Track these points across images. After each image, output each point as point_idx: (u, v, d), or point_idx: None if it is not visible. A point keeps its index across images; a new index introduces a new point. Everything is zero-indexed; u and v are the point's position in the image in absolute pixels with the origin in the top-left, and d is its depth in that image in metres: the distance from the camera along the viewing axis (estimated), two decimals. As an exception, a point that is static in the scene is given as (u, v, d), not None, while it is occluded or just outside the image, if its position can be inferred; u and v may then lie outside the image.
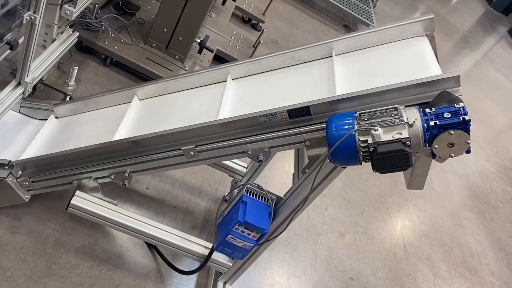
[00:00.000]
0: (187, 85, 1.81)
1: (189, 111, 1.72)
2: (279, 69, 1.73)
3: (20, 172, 1.61)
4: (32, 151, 1.74)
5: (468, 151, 1.21)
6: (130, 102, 1.86)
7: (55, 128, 1.88)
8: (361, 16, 4.65)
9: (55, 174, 1.62)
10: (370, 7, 4.94)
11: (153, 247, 1.91)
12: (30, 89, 1.85)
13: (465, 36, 6.91)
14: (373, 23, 4.65)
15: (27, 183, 1.63)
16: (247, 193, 1.53)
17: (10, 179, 1.59)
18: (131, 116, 1.79)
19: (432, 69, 1.42)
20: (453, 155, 1.21)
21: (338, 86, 1.48)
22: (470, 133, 1.17)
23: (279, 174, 2.61)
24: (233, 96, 1.70)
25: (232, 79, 1.76)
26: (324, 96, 1.42)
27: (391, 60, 1.55)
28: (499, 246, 3.18)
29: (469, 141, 1.18)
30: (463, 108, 1.17)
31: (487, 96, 5.38)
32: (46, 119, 1.90)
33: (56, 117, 1.92)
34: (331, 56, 1.65)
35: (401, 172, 1.43)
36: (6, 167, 1.58)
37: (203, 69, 1.89)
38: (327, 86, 1.56)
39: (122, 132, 1.69)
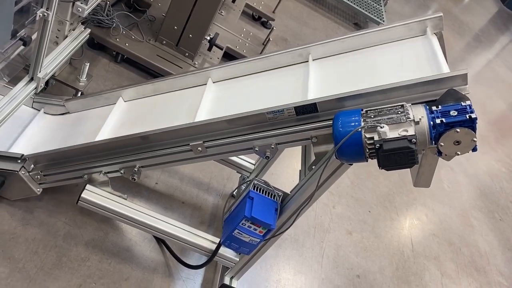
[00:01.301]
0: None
1: (166, 112, 1.78)
2: (284, 67, 1.76)
3: (32, 166, 1.64)
4: (44, 145, 1.78)
5: (474, 149, 1.21)
6: (142, 98, 1.90)
7: (66, 123, 1.92)
8: (372, 14, 4.63)
9: (66, 168, 1.65)
10: (381, 6, 4.92)
11: (161, 241, 1.94)
12: (42, 85, 1.88)
13: (478, 35, 6.84)
14: (383, 21, 4.64)
15: (39, 176, 1.67)
16: (254, 189, 1.55)
17: (23, 172, 1.63)
18: (140, 112, 1.82)
19: (439, 67, 1.42)
20: (459, 153, 1.21)
21: (343, 84, 1.49)
22: (480, 131, 1.17)
23: (286, 172, 2.63)
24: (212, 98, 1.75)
25: (213, 82, 1.82)
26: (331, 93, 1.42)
27: (398, 58, 1.56)
28: (508, 247, 3.16)
29: (475, 139, 1.18)
30: (470, 106, 1.18)
31: (499, 95, 5.33)
32: (59, 114, 1.94)
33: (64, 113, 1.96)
34: (336, 55, 1.66)
35: (409, 171, 1.44)
36: (19, 161, 1.62)
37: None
38: (333, 84, 1.57)
39: (131, 128, 1.71)
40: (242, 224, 1.50)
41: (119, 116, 1.84)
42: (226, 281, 1.84)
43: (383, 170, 1.24)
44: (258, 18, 3.88)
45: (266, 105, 1.44)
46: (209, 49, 2.86)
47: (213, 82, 1.82)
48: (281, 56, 1.74)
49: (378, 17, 4.64)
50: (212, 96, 1.76)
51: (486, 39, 6.84)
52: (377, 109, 1.26)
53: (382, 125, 1.20)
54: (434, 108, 1.21)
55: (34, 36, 1.76)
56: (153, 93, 1.89)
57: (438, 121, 1.18)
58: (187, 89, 1.86)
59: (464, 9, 7.58)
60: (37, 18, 1.62)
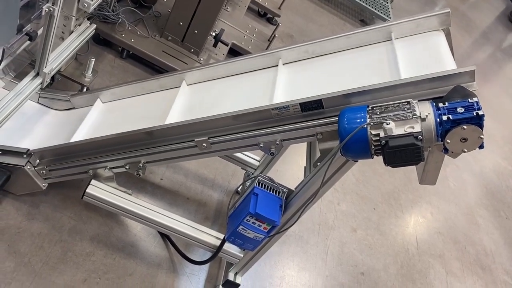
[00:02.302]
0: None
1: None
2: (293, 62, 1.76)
3: (38, 160, 1.65)
4: (49, 140, 1.78)
5: (481, 147, 1.20)
6: (147, 93, 1.90)
7: (72, 118, 1.92)
8: (378, 11, 4.60)
9: (71, 163, 1.65)
10: (387, 2, 4.89)
11: (166, 237, 1.94)
12: (48, 80, 1.89)
13: (485, 32, 6.79)
14: (390, 18, 4.61)
15: (44, 171, 1.67)
16: (258, 185, 1.55)
17: (28, 167, 1.63)
18: (146, 108, 1.82)
19: (447, 64, 1.41)
20: (465, 150, 1.20)
21: (350, 79, 1.48)
22: (487, 129, 1.16)
23: (291, 168, 2.62)
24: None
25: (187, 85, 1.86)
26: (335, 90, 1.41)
27: (405, 53, 1.54)
28: (514, 245, 3.15)
29: (482, 136, 1.17)
30: (477, 103, 1.16)
31: (506, 93, 5.29)
32: (64, 110, 1.94)
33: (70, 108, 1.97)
34: (342, 51, 1.65)
35: (415, 169, 1.44)
36: (25, 156, 1.62)
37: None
38: (339, 79, 1.56)
39: (137, 123, 1.71)
40: (246, 220, 1.50)
41: (125, 112, 1.84)
42: (231, 277, 1.84)
43: (388, 167, 1.23)
44: (264, 14, 3.87)
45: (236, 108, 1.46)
46: (215, 45, 2.85)
47: (187, 85, 1.86)
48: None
49: (384, 14, 4.61)
50: (183, 100, 1.79)
51: (493, 37, 6.79)
52: (383, 105, 1.26)
53: (388, 121, 1.19)
54: (441, 104, 1.20)
55: (40, 31, 1.77)
56: (159, 89, 1.89)
57: (444, 118, 1.17)
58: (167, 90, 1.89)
59: (472, 6, 7.51)
60: (43, 13, 1.61)
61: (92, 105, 1.90)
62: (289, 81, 1.66)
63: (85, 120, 1.80)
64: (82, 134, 1.75)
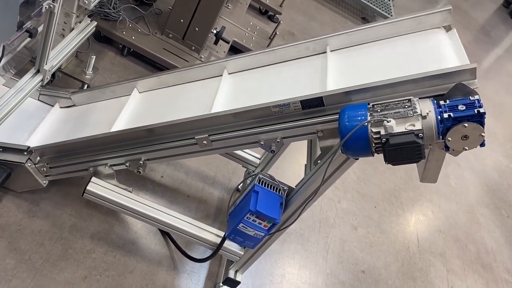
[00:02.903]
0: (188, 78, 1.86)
1: (174, 105, 1.77)
2: (290, 61, 1.74)
3: (38, 158, 1.65)
4: (50, 137, 1.78)
5: (482, 144, 1.19)
6: (147, 91, 1.89)
7: (72, 115, 1.92)
8: (380, 8, 4.59)
9: (72, 161, 1.65)
10: (389, 0, 4.87)
11: (166, 234, 1.94)
12: (48, 77, 1.89)
13: (487, 30, 6.77)
14: (391, 15, 4.60)
15: (45, 168, 1.67)
16: (259, 183, 1.55)
17: (29, 164, 1.63)
18: (146, 105, 1.82)
19: (448, 61, 1.40)
20: (467, 148, 1.20)
21: (350, 77, 1.48)
22: (488, 128, 1.15)
23: (292, 166, 2.62)
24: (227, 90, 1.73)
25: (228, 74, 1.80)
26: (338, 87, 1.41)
27: (406, 51, 1.54)
28: (515, 244, 3.14)
29: (483, 134, 1.16)
30: (478, 100, 1.16)
31: (507, 91, 5.27)
32: (64, 107, 1.94)
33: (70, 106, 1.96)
34: (346, 48, 1.64)
35: (416, 166, 1.43)
36: (25, 153, 1.62)
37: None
38: (348, 76, 1.55)
39: (137, 121, 1.71)
40: (247, 218, 1.50)
41: (126, 109, 1.84)
42: (231, 274, 1.84)
43: (389, 165, 1.23)
44: (265, 12, 3.86)
45: (282, 98, 1.42)
46: (216, 42, 2.85)
47: (228, 74, 1.80)
48: (295, 47, 1.72)
49: (386, 12, 4.60)
50: (227, 88, 1.74)
51: (495, 35, 6.77)
52: (384, 103, 1.25)
53: (389, 119, 1.19)
54: (442, 102, 1.20)
55: (40, 28, 1.76)
56: (160, 86, 1.88)
57: (445, 115, 1.17)
58: (198, 81, 1.84)
59: (474, 4, 7.49)
60: (43, 10, 1.61)
61: (121, 96, 1.89)
62: (336, 69, 1.62)
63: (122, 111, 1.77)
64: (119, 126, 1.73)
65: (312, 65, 1.67)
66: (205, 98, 1.69)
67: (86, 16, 2.14)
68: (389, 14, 4.60)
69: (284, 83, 1.67)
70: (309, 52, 1.71)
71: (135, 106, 1.84)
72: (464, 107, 1.16)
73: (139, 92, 1.89)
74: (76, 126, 1.84)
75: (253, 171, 2.24)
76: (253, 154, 2.24)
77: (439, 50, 1.48)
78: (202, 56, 2.78)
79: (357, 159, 1.36)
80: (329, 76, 1.54)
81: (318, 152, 1.49)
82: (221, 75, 1.77)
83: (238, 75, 1.80)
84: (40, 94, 1.95)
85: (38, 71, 1.84)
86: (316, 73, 1.61)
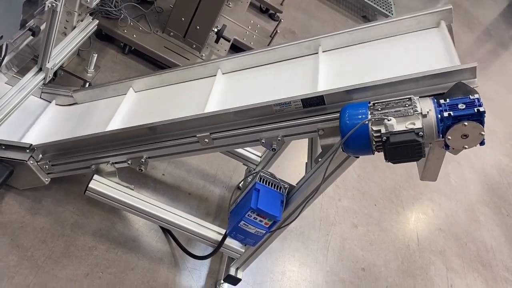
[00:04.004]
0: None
1: (175, 103, 1.78)
2: (293, 59, 1.75)
3: (40, 155, 1.65)
4: (52, 135, 1.79)
5: (482, 143, 1.20)
6: (148, 89, 1.90)
7: (74, 113, 1.93)
8: (380, 7, 4.59)
9: (74, 158, 1.66)
10: (390, -2, 4.88)
11: (168, 232, 1.95)
12: (51, 75, 1.89)
13: (488, 29, 6.77)
14: (392, 14, 4.60)
15: (47, 166, 1.68)
16: (260, 181, 1.55)
17: (31, 162, 1.64)
18: (149, 103, 1.82)
19: (448, 60, 1.41)
20: (466, 146, 1.21)
21: (352, 76, 1.49)
22: (488, 126, 1.16)
23: (293, 164, 2.63)
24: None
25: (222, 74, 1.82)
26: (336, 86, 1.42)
27: (406, 50, 1.54)
28: (515, 242, 3.15)
29: (483, 132, 1.17)
30: (478, 99, 1.17)
31: (507, 90, 5.27)
32: (67, 105, 1.95)
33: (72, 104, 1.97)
34: (346, 47, 1.65)
35: (416, 165, 1.44)
36: (27, 151, 1.63)
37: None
38: (343, 76, 1.56)
39: (138, 119, 1.72)
40: (248, 215, 1.51)
41: (127, 107, 1.85)
42: (232, 272, 1.85)
43: (389, 163, 1.24)
44: (266, 10, 3.86)
45: (276, 97, 1.44)
46: (217, 41, 2.86)
47: (223, 74, 1.82)
48: (290, 48, 1.73)
49: (386, 10, 4.60)
50: (221, 88, 1.76)
51: (496, 34, 6.77)
52: (384, 101, 1.26)
53: (389, 118, 1.19)
54: (442, 101, 1.21)
55: (42, 27, 1.77)
56: (161, 84, 1.89)
57: (446, 114, 1.18)
58: (196, 80, 1.86)
59: (475, 2, 7.48)
60: (46, 8, 1.62)
61: (122, 94, 1.91)
62: (329, 70, 1.64)
63: (118, 110, 1.80)
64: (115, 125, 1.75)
65: (305, 65, 1.69)
66: (200, 98, 1.71)
67: (88, 14, 2.15)
68: (390, 12, 4.60)
69: (276, 83, 1.69)
70: (304, 52, 1.73)
71: (135, 105, 1.85)
72: (464, 106, 1.17)
73: (141, 91, 1.90)
74: (78, 124, 1.85)
75: (254, 169, 2.24)
76: (254, 152, 2.24)
77: (439, 49, 1.48)
78: (203, 55, 2.78)
79: (357, 157, 1.36)
80: (320, 76, 1.56)
81: (319, 150, 1.50)
82: (215, 75, 1.80)
83: (232, 75, 1.82)
84: (42, 92, 1.96)
85: (40, 69, 1.85)
86: (308, 74, 1.63)
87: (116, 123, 1.73)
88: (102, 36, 2.61)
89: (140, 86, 1.90)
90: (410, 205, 2.93)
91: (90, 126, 1.79)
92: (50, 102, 1.97)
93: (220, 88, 1.76)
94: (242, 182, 2.27)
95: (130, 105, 1.85)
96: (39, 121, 1.87)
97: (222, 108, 1.51)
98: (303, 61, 1.72)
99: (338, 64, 1.63)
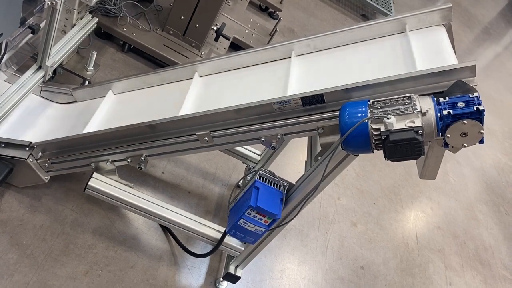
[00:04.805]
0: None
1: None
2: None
3: (40, 153, 1.66)
4: (51, 133, 1.79)
5: (481, 142, 1.20)
6: (148, 87, 1.90)
7: (74, 111, 1.93)
8: (380, 6, 4.59)
9: (73, 156, 1.66)
10: (389, -3, 4.88)
11: (167, 230, 1.95)
12: (50, 73, 1.89)
13: (487, 27, 6.77)
14: (391, 12, 4.60)
15: (46, 164, 1.68)
16: (259, 179, 1.56)
17: (31, 160, 1.64)
18: (148, 101, 1.82)
19: (448, 59, 1.41)
20: (466, 145, 1.21)
21: (350, 74, 1.49)
22: (487, 125, 1.16)
23: (292, 163, 2.63)
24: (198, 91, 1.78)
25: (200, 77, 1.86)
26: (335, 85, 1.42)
27: (406, 49, 1.55)
28: (514, 241, 3.16)
29: (482, 131, 1.17)
30: (478, 98, 1.17)
31: (507, 89, 5.28)
32: (66, 103, 1.95)
33: (72, 102, 1.98)
34: (348, 44, 1.65)
35: (415, 163, 1.44)
36: (27, 149, 1.63)
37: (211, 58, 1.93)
38: (343, 73, 1.56)
39: (138, 117, 1.72)
40: (247, 213, 1.51)
41: (126, 106, 1.85)
42: (231, 270, 1.86)
43: (389, 161, 1.24)
44: (265, 9, 3.86)
45: (246, 101, 1.47)
46: (216, 39, 2.86)
47: (200, 76, 1.85)
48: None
49: (386, 9, 4.60)
50: (197, 91, 1.79)
51: (495, 32, 6.77)
52: (384, 100, 1.26)
53: (389, 116, 1.20)
54: (441, 99, 1.21)
55: (42, 25, 1.77)
56: (161, 83, 1.89)
57: (445, 112, 1.18)
58: (172, 83, 1.89)
59: (474, 1, 7.48)
60: (45, 6, 1.62)
61: (103, 97, 1.91)
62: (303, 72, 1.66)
63: (97, 112, 1.81)
64: (92, 127, 1.76)
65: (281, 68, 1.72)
66: (176, 99, 1.74)
67: (87, 12, 2.15)
68: (389, 11, 4.60)
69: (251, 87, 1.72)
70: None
71: (136, 103, 1.85)
72: (463, 104, 1.17)
73: (143, 89, 1.90)
74: (77, 122, 1.85)
75: (254, 168, 2.25)
76: (253, 151, 2.25)
77: (439, 48, 1.49)
78: (203, 53, 2.78)
79: (357, 155, 1.37)
80: (291, 79, 1.59)
81: (318, 148, 1.50)
82: (192, 78, 1.83)
83: (209, 78, 1.85)
84: (41, 90, 1.96)
85: (40, 67, 1.85)
86: (281, 79, 1.66)
87: (115, 121, 1.73)
88: (101, 34, 2.61)
89: (122, 88, 1.93)
90: (409, 203, 2.94)
91: (89, 124, 1.79)
92: (50, 100, 1.97)
93: (196, 91, 1.79)
94: (242, 180, 2.28)
95: (130, 104, 1.85)
96: (39, 119, 1.87)
97: (196, 111, 1.54)
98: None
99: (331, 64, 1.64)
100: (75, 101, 1.98)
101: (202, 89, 1.80)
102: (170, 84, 1.88)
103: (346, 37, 1.67)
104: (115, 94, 1.92)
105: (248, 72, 1.79)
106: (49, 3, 1.61)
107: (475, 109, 1.15)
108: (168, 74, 1.87)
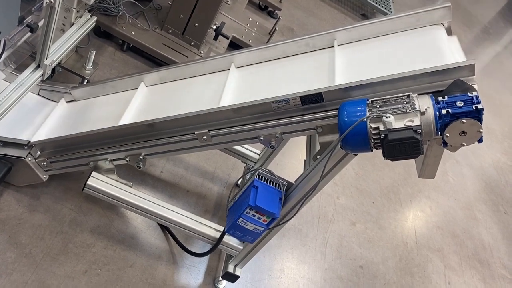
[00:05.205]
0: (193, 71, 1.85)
1: (191, 97, 1.76)
2: (288, 57, 1.75)
3: (38, 152, 1.65)
4: (50, 132, 1.79)
5: (480, 141, 1.20)
6: (147, 86, 1.90)
7: (73, 110, 1.92)
8: (379, 5, 4.59)
9: (72, 155, 1.66)
10: (388, -4, 4.88)
11: (166, 229, 1.95)
12: (49, 72, 1.89)
13: (486, 27, 6.77)
14: (391, 12, 4.60)
15: (45, 163, 1.68)
16: (258, 178, 1.56)
17: (29, 159, 1.64)
18: (146, 100, 1.82)
19: (446, 58, 1.41)
20: (464, 144, 1.21)
21: (349, 73, 1.49)
22: (486, 124, 1.16)
23: (291, 162, 2.63)
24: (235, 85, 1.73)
25: (236, 68, 1.79)
26: (337, 83, 1.42)
27: (405, 48, 1.55)
28: (513, 240, 3.16)
29: (481, 130, 1.17)
30: (476, 97, 1.17)
31: (506, 88, 5.28)
32: (66, 102, 1.95)
33: (70, 101, 1.97)
34: (343, 44, 1.65)
35: (414, 162, 1.44)
36: (26, 147, 1.63)
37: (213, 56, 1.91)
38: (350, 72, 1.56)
39: (137, 116, 1.72)
40: (246, 212, 1.51)
41: (127, 104, 1.84)
42: (230, 269, 1.86)
43: (387, 161, 1.24)
44: (265, 8, 3.86)
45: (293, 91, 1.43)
46: (215, 38, 2.85)
47: (236, 68, 1.80)
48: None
49: (385, 8, 4.60)
50: (235, 83, 1.74)
51: (494, 32, 6.77)
52: (382, 99, 1.26)
53: (388, 115, 1.19)
54: (440, 98, 1.21)
55: (41, 23, 1.77)
56: (160, 82, 1.89)
57: (444, 111, 1.18)
58: (202, 76, 1.85)
59: (473, 1, 7.49)
60: (44, 4, 1.61)
61: (121, 91, 1.90)
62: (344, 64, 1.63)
63: (131, 102, 1.78)
64: (128, 118, 1.73)
65: (320, 59, 1.67)
66: (213, 93, 1.69)
67: (86, 11, 2.14)
68: (388, 10, 4.60)
69: (292, 78, 1.67)
70: (317, 47, 1.72)
71: (138, 101, 1.84)
72: (462, 103, 1.17)
73: (140, 88, 1.90)
74: (76, 121, 1.85)
75: (253, 167, 2.25)
76: (252, 150, 2.25)
77: (438, 47, 1.49)
78: (202, 52, 2.78)
79: (356, 154, 1.37)
80: (337, 70, 1.54)
81: (317, 147, 1.50)
82: (229, 69, 1.78)
83: (245, 69, 1.80)
84: (40, 89, 1.95)
85: (38, 66, 1.84)
86: (324, 68, 1.61)
87: (114, 120, 1.73)
88: (100, 33, 2.61)
89: (142, 82, 1.90)
90: (408, 202, 2.94)
91: (88, 123, 1.79)
92: (48, 99, 1.97)
93: (234, 82, 1.73)
94: (241, 180, 2.27)
95: (136, 102, 1.83)
96: (37, 118, 1.86)
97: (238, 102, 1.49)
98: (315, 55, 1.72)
99: (350, 59, 1.62)
100: (74, 100, 1.98)
101: (239, 80, 1.75)
102: (201, 77, 1.84)
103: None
104: (147, 86, 1.89)
105: (288, 62, 1.74)
106: (48, 1, 1.60)
107: (474, 108, 1.15)
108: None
